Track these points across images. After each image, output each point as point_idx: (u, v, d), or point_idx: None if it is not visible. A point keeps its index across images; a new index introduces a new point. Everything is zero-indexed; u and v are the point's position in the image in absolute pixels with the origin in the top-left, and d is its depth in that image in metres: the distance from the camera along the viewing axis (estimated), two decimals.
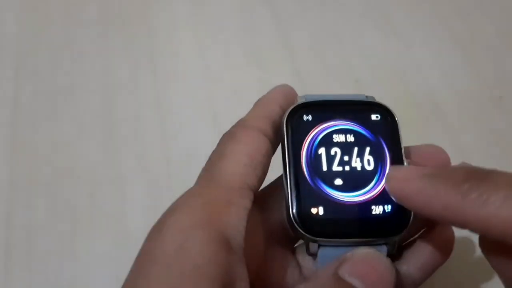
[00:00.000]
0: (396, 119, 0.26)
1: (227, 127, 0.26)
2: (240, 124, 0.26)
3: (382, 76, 0.43)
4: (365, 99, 0.27)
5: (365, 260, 0.23)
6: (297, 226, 0.24)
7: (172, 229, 0.21)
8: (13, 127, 0.40)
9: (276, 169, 0.26)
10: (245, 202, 0.23)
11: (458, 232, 0.25)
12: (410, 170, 0.22)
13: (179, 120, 0.41)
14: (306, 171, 0.25)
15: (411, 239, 0.26)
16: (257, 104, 0.27)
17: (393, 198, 0.23)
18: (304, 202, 0.24)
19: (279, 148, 0.26)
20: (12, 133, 0.40)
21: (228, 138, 0.25)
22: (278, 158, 0.26)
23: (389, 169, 0.24)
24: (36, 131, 0.40)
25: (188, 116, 0.41)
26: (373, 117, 0.26)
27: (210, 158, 0.25)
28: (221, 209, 0.22)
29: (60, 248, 0.35)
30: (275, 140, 0.26)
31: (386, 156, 0.25)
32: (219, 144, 0.25)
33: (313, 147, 0.25)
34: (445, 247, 0.25)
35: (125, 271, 0.34)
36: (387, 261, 0.23)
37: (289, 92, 0.28)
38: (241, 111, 0.26)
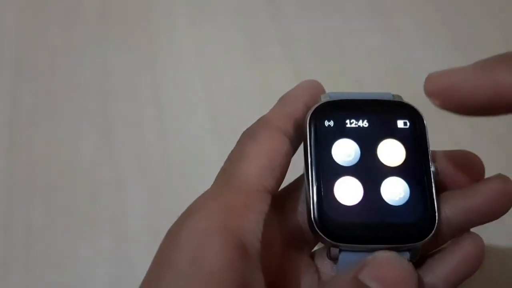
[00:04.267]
0: (425, 121, 0.25)
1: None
2: (262, 123, 0.25)
3: (382, 76, 0.43)
4: (392, 99, 0.26)
5: (386, 263, 0.22)
6: (318, 231, 0.23)
7: (188, 234, 0.21)
8: (12, 127, 0.40)
9: (294, 169, 0.25)
10: (263, 206, 0.22)
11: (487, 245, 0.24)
12: (451, 69, 0.20)
13: (179, 120, 0.41)
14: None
15: (437, 248, 0.25)
16: (280, 100, 0.26)
17: (432, 96, 0.21)
18: (326, 206, 0.23)
19: (300, 147, 0.25)
20: (11, 133, 0.40)
21: (248, 137, 0.24)
22: (297, 158, 0.25)
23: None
24: (35, 131, 0.40)
25: (188, 116, 0.41)
26: (400, 118, 0.25)
27: (229, 158, 0.24)
28: (238, 214, 0.22)
29: (59, 249, 0.35)
30: (297, 140, 0.25)
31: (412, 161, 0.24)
32: (238, 143, 0.24)
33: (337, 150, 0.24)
34: (474, 259, 0.24)
35: (125, 271, 0.34)
36: (409, 266, 0.22)
37: (315, 87, 0.26)
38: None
